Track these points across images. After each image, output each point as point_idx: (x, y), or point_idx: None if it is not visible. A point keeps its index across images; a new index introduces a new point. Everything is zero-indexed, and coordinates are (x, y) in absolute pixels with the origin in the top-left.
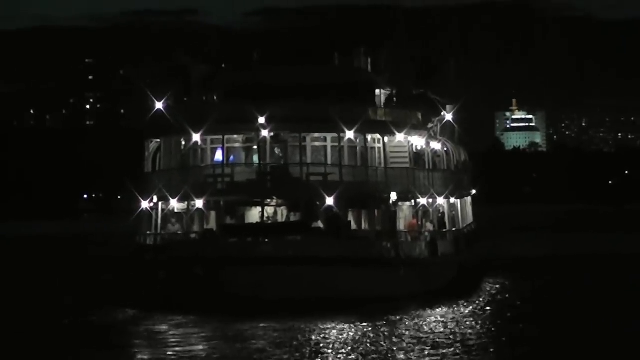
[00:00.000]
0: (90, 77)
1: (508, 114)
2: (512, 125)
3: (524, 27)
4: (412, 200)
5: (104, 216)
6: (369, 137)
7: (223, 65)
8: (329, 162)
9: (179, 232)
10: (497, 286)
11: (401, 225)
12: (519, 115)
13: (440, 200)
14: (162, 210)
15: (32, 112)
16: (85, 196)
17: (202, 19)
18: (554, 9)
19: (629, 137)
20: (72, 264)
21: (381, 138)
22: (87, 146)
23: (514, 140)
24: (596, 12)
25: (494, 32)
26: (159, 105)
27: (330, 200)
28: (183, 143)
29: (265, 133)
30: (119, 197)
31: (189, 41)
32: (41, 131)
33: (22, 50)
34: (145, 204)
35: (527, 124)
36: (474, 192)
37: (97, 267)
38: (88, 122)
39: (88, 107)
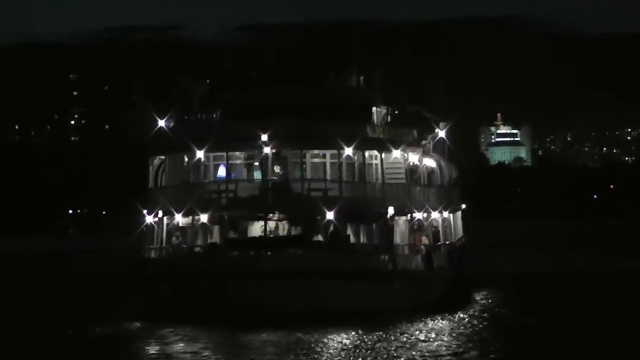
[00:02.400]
0: (75, 93)
1: (493, 128)
2: (497, 140)
3: (509, 42)
4: (408, 215)
5: (89, 232)
6: (367, 153)
7: (208, 81)
8: (329, 177)
9: (184, 246)
10: (489, 299)
11: (397, 238)
12: (503, 129)
13: (435, 215)
14: (167, 224)
15: (16, 127)
16: (70, 211)
17: (185, 34)
18: (539, 24)
19: (614, 151)
20: (72, 279)
21: (378, 154)
22: (72, 162)
23: (499, 155)
24: (582, 27)
25: (480, 46)
26: (162, 122)
27: (329, 215)
28: (186, 159)
29: (267, 150)
30: (103, 212)
31: (175, 56)
32: (26, 146)
33: (5, 66)
34: (149, 219)
35: (512, 139)
36: (463, 206)
37: (102, 281)
38: (73, 138)
39: (73, 122)
